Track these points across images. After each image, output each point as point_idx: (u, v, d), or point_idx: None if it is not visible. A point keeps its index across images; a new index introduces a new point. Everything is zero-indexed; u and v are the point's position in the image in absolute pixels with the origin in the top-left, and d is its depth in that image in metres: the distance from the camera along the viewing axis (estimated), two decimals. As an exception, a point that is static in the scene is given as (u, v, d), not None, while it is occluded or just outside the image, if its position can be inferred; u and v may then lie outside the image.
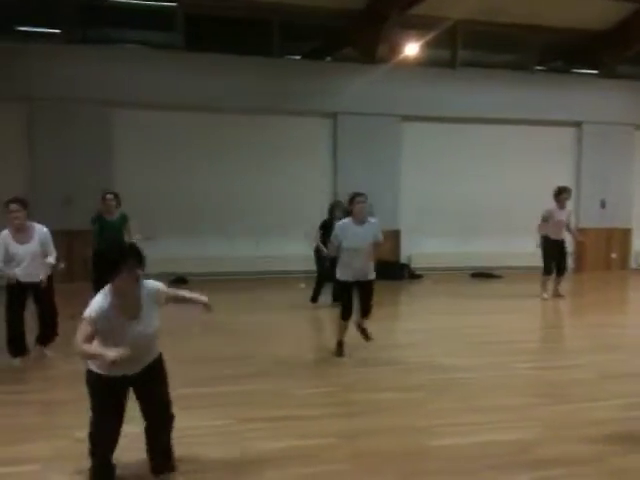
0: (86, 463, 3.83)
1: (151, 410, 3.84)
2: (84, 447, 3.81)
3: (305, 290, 10.91)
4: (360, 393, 5.83)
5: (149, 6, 13.07)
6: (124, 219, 9.18)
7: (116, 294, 3.55)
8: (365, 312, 7.04)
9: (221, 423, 4.95)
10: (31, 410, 5.30)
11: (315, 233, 10.03)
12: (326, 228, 9.83)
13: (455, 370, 6.50)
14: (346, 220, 6.91)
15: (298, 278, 12.16)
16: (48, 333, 6.68)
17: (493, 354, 7.25)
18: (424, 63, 13.91)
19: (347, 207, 7.03)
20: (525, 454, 4.46)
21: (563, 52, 15.88)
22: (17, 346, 6.52)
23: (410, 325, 8.58)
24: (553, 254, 10.71)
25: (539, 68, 15.22)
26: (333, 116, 13.76)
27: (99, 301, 3.55)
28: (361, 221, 6.81)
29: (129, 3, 12.95)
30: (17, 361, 6.51)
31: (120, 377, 3.64)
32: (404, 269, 13.76)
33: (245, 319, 9.14)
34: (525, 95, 14.33)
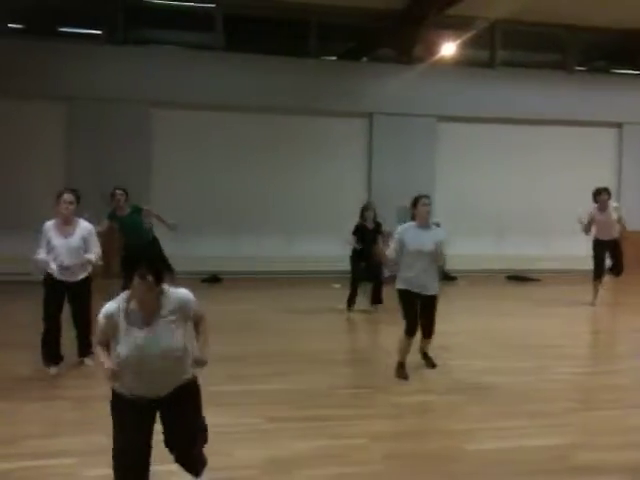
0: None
1: (174, 441, 3.52)
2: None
3: (339, 290, 10.88)
4: (394, 395, 5.77)
5: (188, 7, 13.21)
6: (137, 211, 8.81)
7: (132, 300, 3.36)
8: (427, 332, 6.35)
9: (252, 421, 4.95)
10: (68, 405, 5.37)
11: (350, 237, 9.69)
12: (359, 231, 9.60)
13: (492, 373, 6.42)
14: (409, 223, 6.31)
15: (331, 278, 12.13)
16: (83, 340, 6.41)
17: (531, 358, 7.13)
18: (462, 63, 13.79)
19: (409, 210, 6.39)
20: (562, 460, 4.37)
21: (604, 52, 15.60)
22: (50, 352, 6.25)
23: (446, 327, 8.44)
24: (602, 256, 10.30)
25: (579, 68, 14.96)
26: (369, 116, 13.72)
27: (111, 303, 3.40)
28: (425, 225, 6.24)
29: (168, 5, 13.10)
30: (53, 370, 6.22)
31: (143, 400, 3.38)
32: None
33: (278, 318, 9.15)
34: (565, 95, 14.10)
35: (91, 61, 12.15)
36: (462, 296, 12.00)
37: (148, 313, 3.35)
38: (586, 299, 10.47)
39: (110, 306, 3.38)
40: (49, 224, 6.16)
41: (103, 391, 5.26)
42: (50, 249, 6.06)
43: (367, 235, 9.43)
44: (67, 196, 6.08)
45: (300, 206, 13.42)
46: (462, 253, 13.92)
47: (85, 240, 6.18)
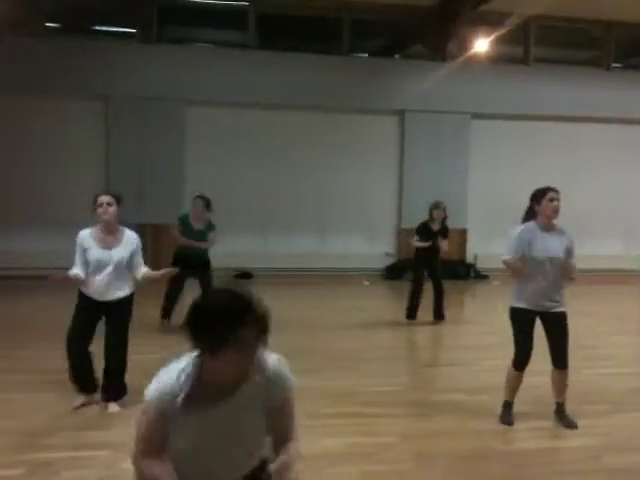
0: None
1: None
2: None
3: (370, 287, 10.89)
4: (426, 393, 5.81)
5: (222, 6, 13.33)
6: (210, 228, 8.09)
7: (209, 371, 2.15)
8: (562, 359, 5.04)
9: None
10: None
11: (414, 237, 8.69)
12: (423, 231, 8.63)
13: (525, 374, 6.37)
14: (528, 223, 5.13)
15: (362, 275, 12.16)
16: (113, 378, 5.28)
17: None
18: (496, 60, 13.69)
19: (531, 205, 5.16)
20: (593, 462, 4.36)
21: (641, 48, 15.33)
22: (81, 383, 5.28)
23: (478, 327, 8.43)
24: None
25: (615, 65, 14.73)
26: (401, 113, 13.69)
27: (171, 379, 2.13)
28: (550, 226, 5.04)
29: (203, 3, 13.24)
30: (78, 400, 5.26)
31: None
32: (470, 269, 13.59)
33: (309, 314, 9.20)
34: (601, 93, 13.89)
35: (126, 60, 12.34)
36: (494, 295, 11.90)
37: (231, 386, 2.23)
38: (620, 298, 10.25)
39: (170, 381, 2.14)
40: (85, 234, 5.03)
41: (140, 382, 5.38)
42: (89, 265, 4.98)
43: (430, 237, 8.52)
44: (104, 197, 4.98)
45: (331, 203, 13.46)
46: (495, 252, 13.79)
47: (133, 254, 5.09)
